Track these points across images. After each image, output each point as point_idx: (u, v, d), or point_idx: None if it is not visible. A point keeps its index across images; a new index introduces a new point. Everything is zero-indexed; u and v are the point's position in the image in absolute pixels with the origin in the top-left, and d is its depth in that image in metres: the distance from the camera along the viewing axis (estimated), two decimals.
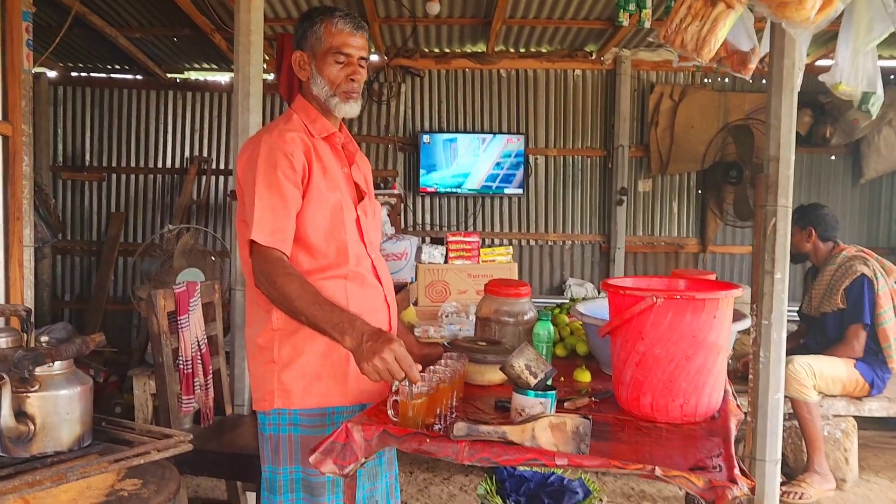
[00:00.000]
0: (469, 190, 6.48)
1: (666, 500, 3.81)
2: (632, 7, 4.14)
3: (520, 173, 6.45)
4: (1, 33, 3.24)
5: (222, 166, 6.67)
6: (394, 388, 1.74)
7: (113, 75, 6.72)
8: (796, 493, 3.78)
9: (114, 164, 6.70)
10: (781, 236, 3.57)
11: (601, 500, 2.81)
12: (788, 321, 3.72)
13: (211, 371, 3.04)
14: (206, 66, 6.73)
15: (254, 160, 1.91)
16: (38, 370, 1.69)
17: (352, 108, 2.06)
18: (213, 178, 6.65)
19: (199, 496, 3.82)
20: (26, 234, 3.28)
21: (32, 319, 1.95)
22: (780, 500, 3.70)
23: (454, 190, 6.48)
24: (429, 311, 4.75)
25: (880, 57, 4.26)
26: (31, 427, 1.66)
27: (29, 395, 1.66)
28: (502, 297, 2.42)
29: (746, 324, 2.31)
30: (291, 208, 1.90)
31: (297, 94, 2.14)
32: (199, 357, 2.95)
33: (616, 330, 1.94)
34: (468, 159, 6.42)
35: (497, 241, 6.57)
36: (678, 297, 1.83)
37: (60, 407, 1.70)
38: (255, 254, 1.87)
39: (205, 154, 6.67)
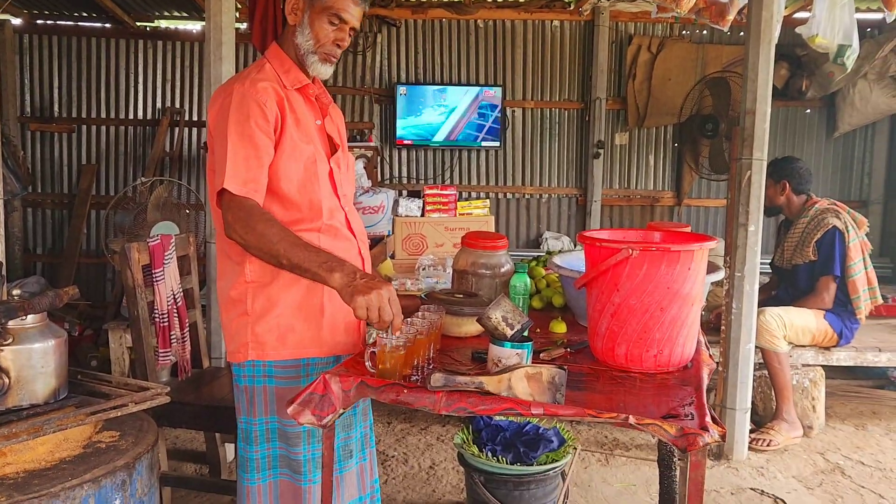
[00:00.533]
0: (446, 142, 6.44)
1: (639, 447, 3.90)
2: None
3: (496, 126, 6.41)
4: None
5: (195, 118, 6.55)
6: (370, 341, 1.75)
7: (80, 23, 6.53)
8: (764, 440, 3.88)
9: (84, 116, 6.55)
10: (756, 189, 3.62)
11: (575, 448, 2.87)
12: (760, 273, 3.78)
13: (187, 324, 3.03)
14: (176, 14, 6.55)
15: (225, 109, 1.87)
16: (11, 324, 1.67)
17: (326, 70, 2.04)
18: (186, 129, 6.54)
19: (178, 448, 3.85)
20: None
21: (3, 272, 1.92)
22: (749, 447, 3.82)
23: (430, 142, 6.43)
24: (406, 265, 4.76)
25: (857, 10, 4.26)
26: (6, 380, 1.65)
27: (2, 348, 1.65)
28: (479, 250, 2.43)
29: (720, 275, 2.33)
30: (264, 158, 1.87)
31: (272, 41, 2.10)
32: (174, 310, 2.93)
33: (592, 282, 1.95)
34: (445, 111, 6.37)
35: (474, 195, 6.55)
36: (653, 249, 1.84)
37: (35, 360, 1.69)
38: (228, 203, 1.83)
39: (177, 105, 6.55)
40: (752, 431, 3.89)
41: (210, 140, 1.95)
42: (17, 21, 6.44)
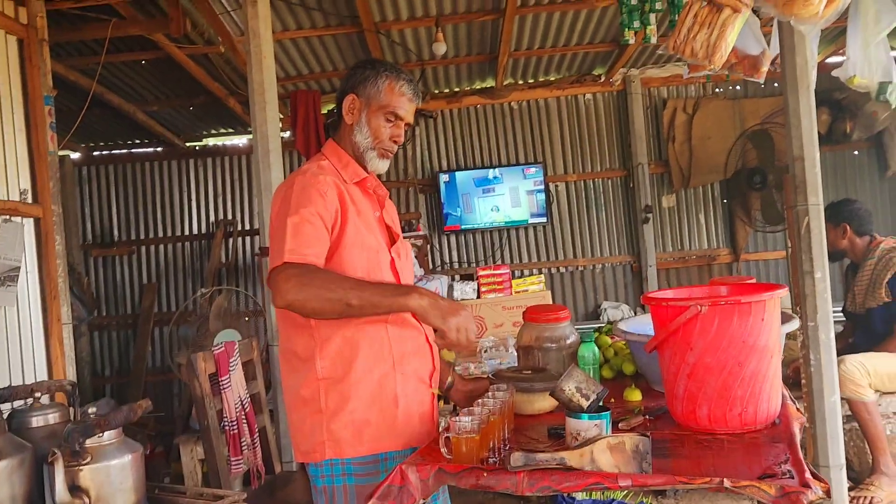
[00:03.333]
0: (493, 224, 6.48)
1: None
2: (636, 24, 4.15)
3: (543, 202, 6.44)
4: (25, 118, 3.32)
5: (248, 227, 6.75)
6: (443, 425, 1.71)
7: (133, 150, 6.88)
8: (866, 497, 3.65)
9: (142, 237, 6.81)
10: (816, 235, 3.52)
11: None
12: (834, 322, 3.64)
13: (257, 430, 3.02)
14: (223, 130, 6.86)
15: (287, 199, 1.89)
16: (89, 442, 1.68)
17: (384, 165, 2.08)
18: (240, 239, 6.72)
19: None
20: (63, 311, 3.32)
21: (77, 393, 1.95)
22: None
23: (479, 225, 6.48)
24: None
25: (894, 48, 4.22)
26: (87, 500, 1.65)
27: (81, 467, 1.66)
28: (542, 324, 2.39)
29: (795, 325, 2.25)
30: (323, 241, 1.86)
31: (314, 145, 2.15)
32: (243, 416, 2.93)
33: (663, 343, 1.89)
34: (489, 194, 6.43)
35: (527, 272, 6.54)
36: (723, 302, 1.79)
37: (113, 477, 1.69)
38: (283, 269, 1.77)
39: (230, 217, 6.77)
40: (850, 489, 3.67)
41: (272, 234, 1.97)
42: (75, 155, 6.80)
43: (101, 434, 1.70)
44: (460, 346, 1.75)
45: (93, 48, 4.76)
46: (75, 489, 1.65)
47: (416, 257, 5.85)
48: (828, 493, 1.40)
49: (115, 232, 6.82)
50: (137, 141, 6.83)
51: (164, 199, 6.82)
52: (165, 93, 5.80)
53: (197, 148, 6.89)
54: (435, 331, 1.80)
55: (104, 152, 6.87)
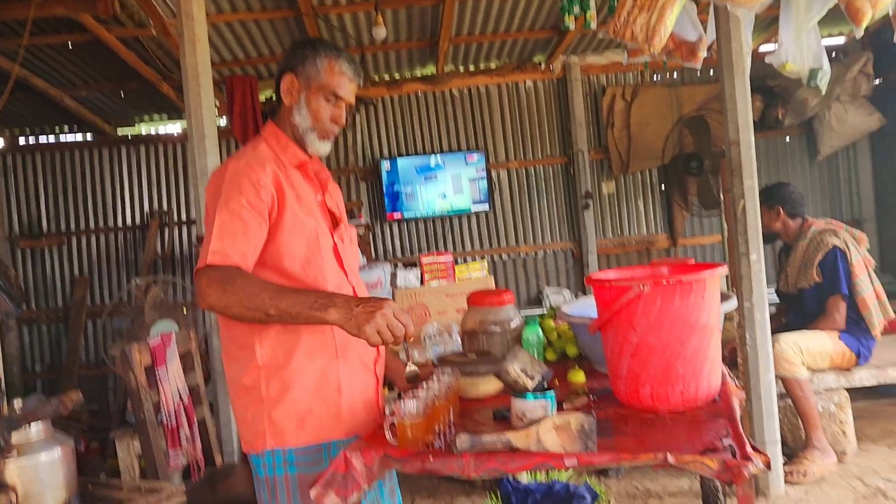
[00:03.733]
0: (435, 212, 6.45)
1: (672, 495, 3.77)
2: (576, 10, 4.16)
3: (485, 189, 6.45)
4: None
5: (183, 217, 6.57)
6: (388, 412, 1.68)
7: (62, 137, 6.62)
8: (799, 471, 3.77)
9: (72, 228, 6.57)
10: (752, 217, 3.61)
11: (609, 501, 2.77)
12: (768, 303, 3.74)
13: (196, 422, 2.94)
14: (156, 117, 6.66)
15: (219, 188, 1.83)
16: (15, 437, 1.60)
17: (325, 147, 2.02)
18: (176, 229, 6.55)
19: None
20: None
21: (3, 387, 1.86)
22: (785, 480, 3.69)
23: (421, 214, 6.45)
24: None
25: (823, 35, 4.34)
26: (13, 497, 1.57)
27: (7, 463, 1.58)
28: (486, 307, 2.38)
29: (733, 304, 2.29)
30: (251, 235, 1.80)
31: (252, 131, 2.09)
32: (181, 408, 2.86)
33: (606, 324, 1.90)
34: (431, 181, 6.41)
35: (470, 259, 6.55)
36: (665, 282, 1.80)
37: (42, 472, 1.62)
38: (205, 271, 1.73)
39: (164, 207, 6.58)
40: (785, 464, 3.78)
41: (208, 223, 1.91)
42: None
43: (27, 426, 1.62)
44: (395, 343, 1.66)
45: (15, 29, 4.55)
46: (1, 486, 1.57)
47: (358, 246, 5.79)
48: (768, 465, 1.42)
49: (44, 223, 6.56)
50: (66, 128, 6.58)
51: (95, 189, 6.59)
52: (94, 77, 5.59)
53: (129, 136, 6.67)
54: None
55: (30, 140, 6.59)
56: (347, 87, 1.99)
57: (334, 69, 1.96)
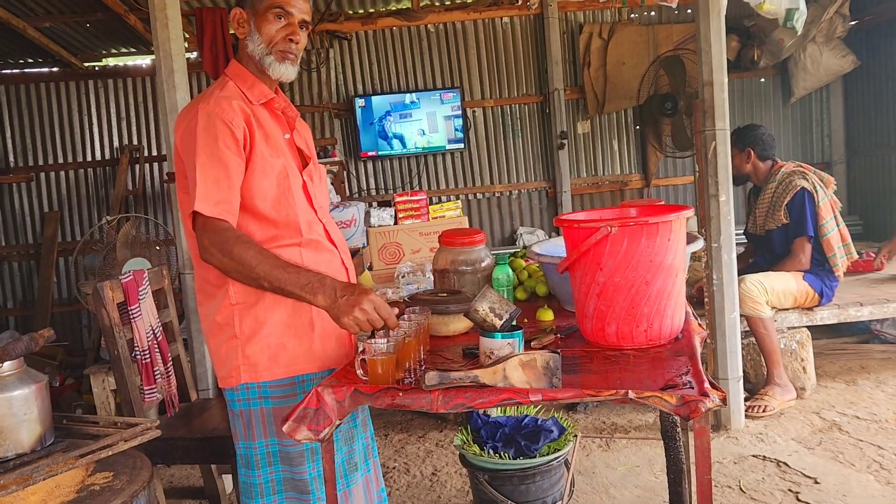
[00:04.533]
0: (411, 150, 6.42)
1: (637, 429, 3.89)
2: None
3: (460, 128, 6.42)
4: None
5: (154, 152, 6.48)
6: (359, 349, 1.72)
7: (27, 70, 6.44)
8: (760, 406, 3.90)
9: (41, 163, 6.46)
10: (722, 159, 3.65)
11: (576, 435, 2.86)
12: (736, 244, 3.81)
13: (170, 358, 2.97)
14: (124, 50, 6.49)
15: (192, 130, 1.83)
16: None
17: (287, 70, 1.98)
18: (147, 165, 6.46)
19: (174, 486, 3.77)
20: None
21: None
22: (746, 415, 3.83)
23: (395, 151, 6.41)
24: (384, 274, 4.72)
25: None
26: None
27: None
28: (458, 247, 2.41)
29: (700, 244, 2.33)
30: (234, 178, 1.83)
31: (230, 60, 2.06)
32: (155, 345, 2.87)
33: (574, 264, 1.94)
34: (406, 118, 6.36)
35: (444, 198, 6.55)
36: (632, 223, 1.83)
37: (16, 408, 1.64)
38: (202, 226, 1.79)
39: (135, 142, 6.47)
40: (746, 399, 3.91)
41: (178, 163, 1.91)
42: None
43: (0, 365, 1.63)
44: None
45: None
46: None
47: (332, 184, 5.76)
48: (724, 400, 1.48)
49: (11, 158, 6.44)
50: (31, 60, 6.39)
51: (63, 123, 6.45)
52: (59, 7, 5.41)
53: (97, 69, 6.50)
54: None
55: None
56: (295, 2, 1.94)
57: None
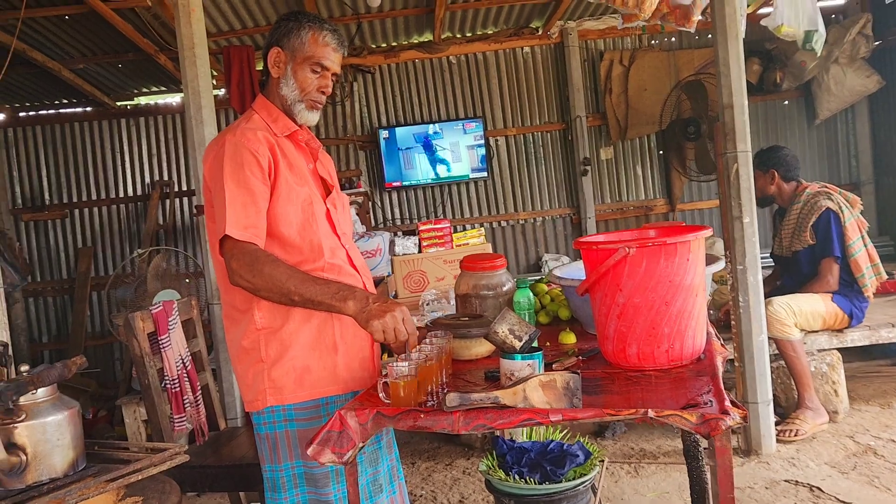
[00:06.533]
0: (434, 180, 6.49)
1: (666, 454, 3.85)
2: None
3: (483, 157, 6.47)
4: None
5: (184, 187, 6.62)
6: (383, 372, 1.75)
7: (62, 110, 6.63)
8: (791, 430, 3.84)
9: (74, 200, 6.62)
10: (745, 181, 3.65)
11: (602, 460, 2.84)
12: (762, 267, 3.79)
13: (199, 387, 3.01)
14: (154, 88, 6.67)
15: (219, 159, 1.90)
16: (23, 399, 1.66)
17: (313, 117, 2.10)
18: (177, 200, 6.59)
19: None
20: None
21: (10, 352, 1.92)
22: (777, 439, 3.77)
23: (420, 182, 6.48)
24: (409, 302, 4.74)
25: None
26: (23, 457, 1.64)
27: (16, 425, 1.64)
28: (479, 272, 2.43)
29: (721, 265, 2.34)
30: (261, 204, 1.90)
31: (250, 102, 2.15)
32: (185, 374, 2.92)
33: (594, 286, 1.95)
34: (430, 150, 6.43)
35: (469, 227, 6.58)
36: (650, 244, 1.85)
37: (50, 433, 1.68)
38: (231, 250, 1.85)
39: (165, 177, 6.62)
40: (777, 423, 3.85)
41: (206, 193, 1.98)
42: (0, 116, 6.53)
43: (34, 391, 1.68)
44: (393, 346, 1.80)
45: (11, 2, 4.55)
46: (11, 446, 1.63)
47: (357, 214, 5.83)
48: (745, 418, 1.48)
49: (46, 195, 6.61)
50: (65, 101, 6.59)
51: (96, 161, 6.63)
52: (92, 49, 5.59)
53: (128, 108, 6.69)
54: None
55: (30, 113, 6.61)
56: (332, 57, 2.05)
57: (318, 40, 2.02)
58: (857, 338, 4.13)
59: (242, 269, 1.83)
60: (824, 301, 4.02)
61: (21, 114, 6.59)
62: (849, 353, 4.66)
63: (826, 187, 4.20)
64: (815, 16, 4.10)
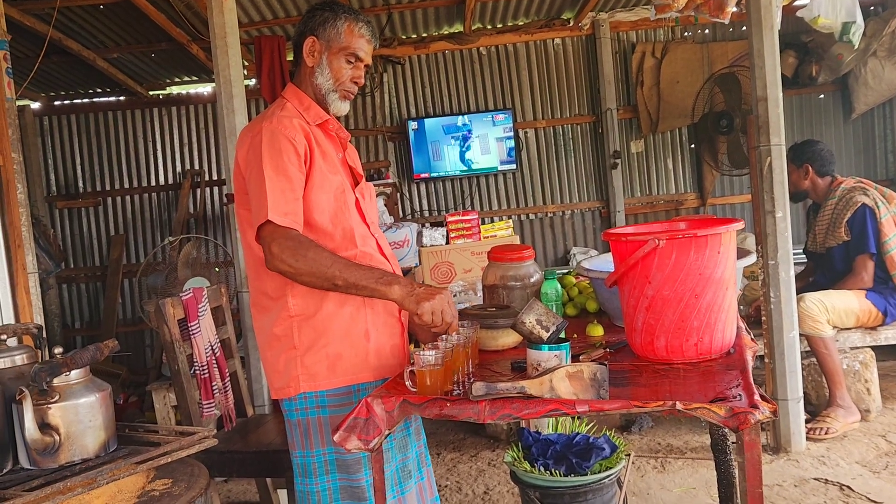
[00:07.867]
0: (463, 171, 6.48)
1: (694, 450, 3.82)
2: None
3: (512, 149, 6.45)
4: None
5: (215, 176, 6.68)
6: (410, 361, 1.76)
7: (96, 99, 6.73)
8: (822, 428, 3.79)
9: (107, 188, 6.72)
10: (778, 175, 3.59)
11: (628, 454, 2.82)
12: (795, 263, 3.73)
13: (228, 374, 3.05)
14: (186, 78, 6.73)
15: (256, 146, 1.92)
16: (56, 381, 1.70)
17: (345, 107, 2.13)
18: (208, 189, 6.66)
19: (231, 500, 3.85)
20: (28, 260, 3.28)
21: (44, 335, 1.95)
22: (807, 437, 3.72)
23: (448, 173, 6.48)
24: None
25: None
26: (56, 437, 1.67)
27: (50, 406, 1.67)
28: (507, 263, 2.43)
29: (752, 259, 2.31)
30: (298, 191, 1.92)
31: (286, 85, 2.17)
32: (214, 361, 2.96)
33: (623, 277, 1.94)
34: (459, 141, 6.42)
35: (497, 219, 6.56)
36: (680, 236, 1.83)
37: (82, 415, 1.71)
38: (272, 234, 1.85)
39: (196, 167, 6.68)
40: (808, 421, 3.81)
41: (238, 179, 2.00)
42: (35, 105, 6.65)
43: (68, 373, 1.71)
44: (438, 328, 1.85)
45: None
46: (45, 427, 1.67)
47: (385, 205, 5.84)
48: (774, 412, 1.46)
49: (80, 183, 6.72)
50: (99, 90, 6.68)
51: (129, 150, 6.71)
52: (126, 39, 5.66)
53: (161, 97, 6.76)
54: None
55: (65, 102, 6.71)
56: (366, 49, 2.08)
57: (354, 31, 2.04)
58: (891, 336, 4.06)
59: (285, 254, 1.84)
60: (858, 298, 3.96)
61: (56, 102, 6.69)
62: (882, 352, 4.58)
63: (862, 182, 4.13)
64: (853, 7, 4.03)
